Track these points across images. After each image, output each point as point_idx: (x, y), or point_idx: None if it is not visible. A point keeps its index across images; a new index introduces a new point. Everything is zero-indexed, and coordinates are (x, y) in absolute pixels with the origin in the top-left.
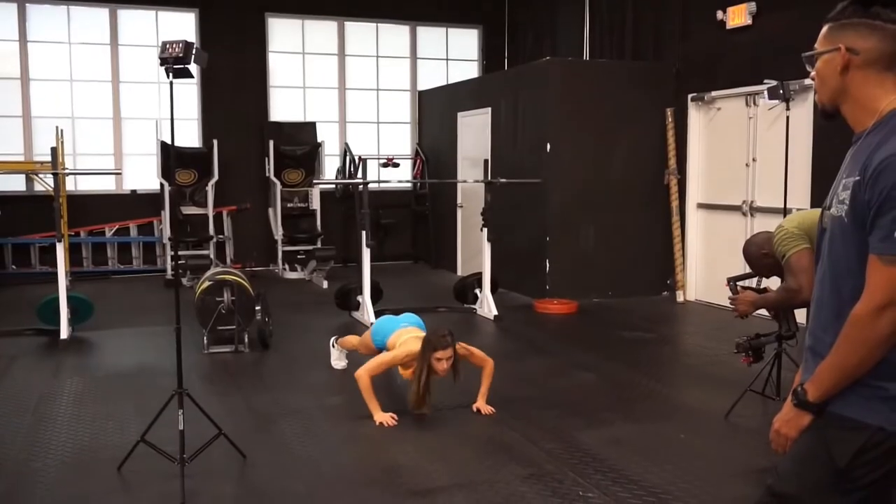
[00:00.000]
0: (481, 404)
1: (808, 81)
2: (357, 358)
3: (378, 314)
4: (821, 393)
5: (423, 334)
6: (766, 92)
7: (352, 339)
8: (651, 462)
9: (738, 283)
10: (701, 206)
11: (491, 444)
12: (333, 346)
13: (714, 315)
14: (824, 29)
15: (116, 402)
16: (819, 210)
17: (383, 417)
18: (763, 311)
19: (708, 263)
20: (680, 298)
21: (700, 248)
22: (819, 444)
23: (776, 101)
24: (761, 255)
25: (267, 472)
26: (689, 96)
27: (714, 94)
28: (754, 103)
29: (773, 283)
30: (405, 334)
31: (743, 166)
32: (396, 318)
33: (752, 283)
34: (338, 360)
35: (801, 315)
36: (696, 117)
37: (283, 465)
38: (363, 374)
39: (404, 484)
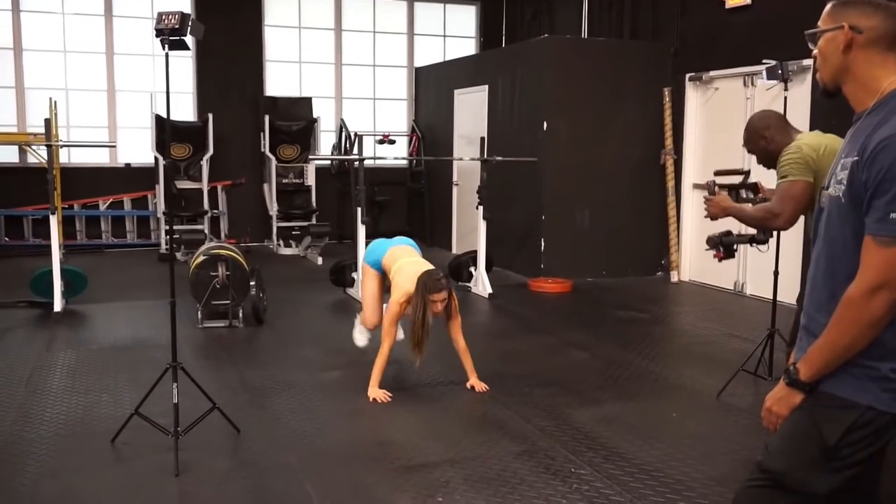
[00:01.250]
0: (475, 381)
1: (806, 62)
2: (378, 338)
3: None
4: (812, 372)
5: (417, 256)
6: (764, 72)
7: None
8: (643, 440)
9: (719, 179)
10: (697, 186)
11: (484, 421)
12: (358, 318)
13: (708, 296)
14: (828, 7)
15: (110, 376)
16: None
17: (377, 394)
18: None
19: (702, 244)
20: (674, 279)
21: (695, 228)
22: (809, 422)
23: (774, 82)
24: (760, 136)
25: (261, 446)
26: (687, 76)
27: (712, 73)
28: (752, 84)
29: (765, 179)
30: (399, 253)
31: (739, 147)
32: (388, 240)
33: (739, 180)
34: (361, 336)
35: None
36: (694, 97)
37: (276, 438)
38: (387, 341)
39: (398, 459)
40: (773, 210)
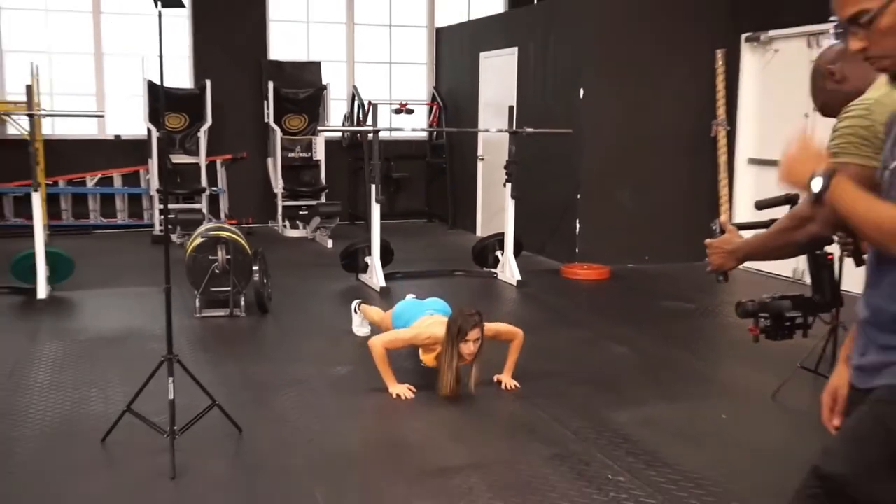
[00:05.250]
0: (505, 378)
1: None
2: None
3: (388, 277)
4: None
5: None
6: (832, 31)
7: (372, 313)
8: (688, 445)
9: (725, 218)
10: (752, 161)
11: (512, 422)
12: (356, 311)
13: (763, 285)
14: None
15: (100, 369)
16: None
17: (400, 389)
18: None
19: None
20: None
21: (750, 208)
22: (875, 421)
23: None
24: (826, 72)
25: (264, 447)
26: (744, 36)
27: (772, 33)
28: (818, 45)
29: None
30: (430, 321)
31: (802, 117)
32: (422, 303)
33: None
34: (360, 327)
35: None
36: (751, 60)
37: (281, 439)
38: (377, 343)
39: (414, 462)
40: (799, 213)
